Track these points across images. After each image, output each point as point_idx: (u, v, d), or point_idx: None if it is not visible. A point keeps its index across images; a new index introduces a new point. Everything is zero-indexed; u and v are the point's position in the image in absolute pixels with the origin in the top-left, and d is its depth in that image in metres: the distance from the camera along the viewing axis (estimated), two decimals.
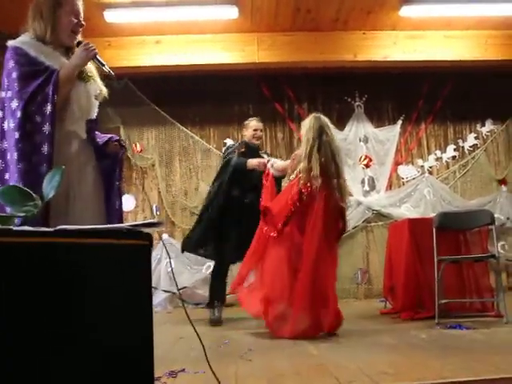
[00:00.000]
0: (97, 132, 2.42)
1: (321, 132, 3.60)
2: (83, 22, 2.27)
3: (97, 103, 2.31)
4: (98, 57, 2.21)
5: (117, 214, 2.30)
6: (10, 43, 2.18)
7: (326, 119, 3.73)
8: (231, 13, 5.42)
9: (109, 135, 2.42)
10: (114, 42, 5.80)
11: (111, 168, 2.39)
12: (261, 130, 4.70)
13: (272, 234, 3.53)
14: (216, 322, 4.20)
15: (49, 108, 2.05)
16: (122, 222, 2.21)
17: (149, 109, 6.40)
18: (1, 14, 5.01)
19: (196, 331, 1.49)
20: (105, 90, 2.35)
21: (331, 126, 3.72)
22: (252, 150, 4.55)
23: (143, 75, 6.17)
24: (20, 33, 2.24)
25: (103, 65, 2.22)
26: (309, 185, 3.47)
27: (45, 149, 2.01)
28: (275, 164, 4.10)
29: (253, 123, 4.66)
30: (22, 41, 2.18)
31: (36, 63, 2.13)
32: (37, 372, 0.97)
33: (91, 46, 2.19)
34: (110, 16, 5.35)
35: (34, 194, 1.38)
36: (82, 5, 2.29)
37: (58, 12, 2.20)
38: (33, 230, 1.03)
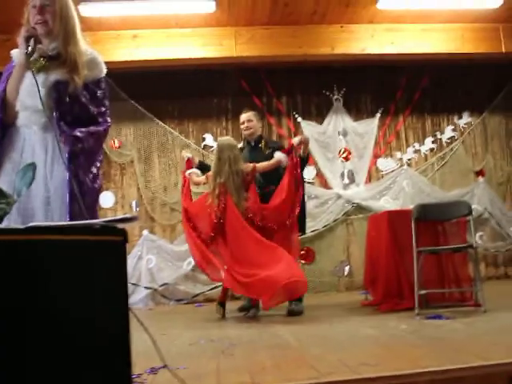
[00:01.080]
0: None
1: (219, 155, 4.34)
2: (41, 12, 2.19)
3: (42, 92, 2.10)
4: (31, 40, 2.11)
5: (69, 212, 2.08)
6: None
7: (226, 140, 4.50)
8: (209, 7, 5.39)
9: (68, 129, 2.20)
10: (89, 37, 5.58)
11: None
12: (249, 121, 4.65)
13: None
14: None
15: None
16: (73, 220, 2.05)
17: (126, 104, 6.33)
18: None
19: (150, 335, 1.46)
20: (80, 75, 2.20)
21: (233, 144, 4.41)
22: (250, 144, 4.65)
23: (120, 70, 6.07)
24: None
25: (28, 46, 2.11)
26: (217, 204, 4.20)
27: None
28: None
29: (241, 116, 4.72)
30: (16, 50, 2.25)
31: (11, 67, 2.21)
32: (9, 368, 0.95)
33: (24, 31, 2.14)
34: (86, 10, 5.26)
35: (7, 193, 1.34)
36: None
37: (28, 11, 2.23)
38: (4, 227, 1.00)
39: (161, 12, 5.45)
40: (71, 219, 2.00)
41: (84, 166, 2.18)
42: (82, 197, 2.03)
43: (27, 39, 2.11)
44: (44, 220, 1.98)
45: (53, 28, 2.21)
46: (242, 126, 4.70)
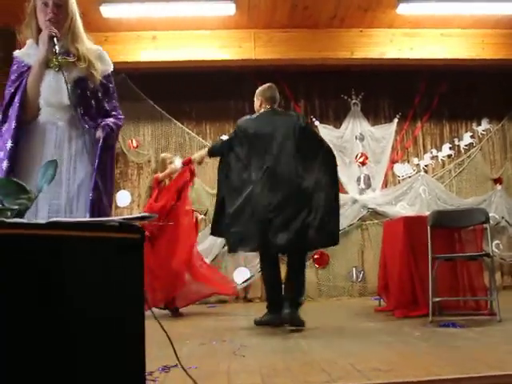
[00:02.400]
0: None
1: None
2: (54, 9, 2.22)
3: (65, 88, 2.14)
4: (54, 39, 2.15)
5: (90, 206, 2.09)
6: (13, 54, 2.30)
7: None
8: (228, 9, 5.41)
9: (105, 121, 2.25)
10: (110, 38, 5.78)
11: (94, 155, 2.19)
12: None
13: None
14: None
15: (16, 105, 2.14)
16: (93, 216, 2.07)
17: (145, 104, 6.39)
18: (4, 10, 4.98)
19: (163, 327, 1.48)
20: (98, 71, 2.26)
21: None
22: None
23: (140, 71, 6.16)
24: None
25: (55, 45, 2.16)
26: None
27: (8, 144, 2.09)
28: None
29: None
30: (21, 50, 2.29)
31: (21, 66, 2.23)
32: (28, 363, 0.97)
33: (47, 31, 2.17)
34: (107, 11, 5.33)
35: (27, 188, 1.37)
36: None
37: (35, 11, 2.25)
38: (26, 222, 1.02)
39: (181, 14, 5.49)
40: (92, 212, 2.05)
41: (111, 157, 2.26)
42: (104, 191, 2.11)
43: (51, 38, 2.14)
44: (67, 216, 2.01)
45: (63, 27, 2.25)
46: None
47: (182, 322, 4.26)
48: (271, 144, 3.79)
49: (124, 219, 1.11)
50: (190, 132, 6.51)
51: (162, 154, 5.42)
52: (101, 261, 1.07)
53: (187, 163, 4.69)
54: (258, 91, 4.22)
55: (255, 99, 4.25)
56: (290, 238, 3.52)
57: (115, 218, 1.14)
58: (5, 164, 2.06)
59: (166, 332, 1.39)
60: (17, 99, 2.15)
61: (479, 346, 2.64)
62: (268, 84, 4.22)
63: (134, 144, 6.44)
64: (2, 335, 0.96)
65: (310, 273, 6.26)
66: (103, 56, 2.38)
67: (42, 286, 1.01)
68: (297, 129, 3.85)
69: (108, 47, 5.68)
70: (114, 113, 2.32)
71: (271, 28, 5.87)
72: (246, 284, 6.15)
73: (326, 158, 3.81)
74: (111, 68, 2.40)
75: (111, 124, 2.22)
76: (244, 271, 6.16)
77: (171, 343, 1.38)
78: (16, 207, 1.33)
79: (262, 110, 4.11)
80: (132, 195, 6.39)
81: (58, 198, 2.09)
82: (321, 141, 3.98)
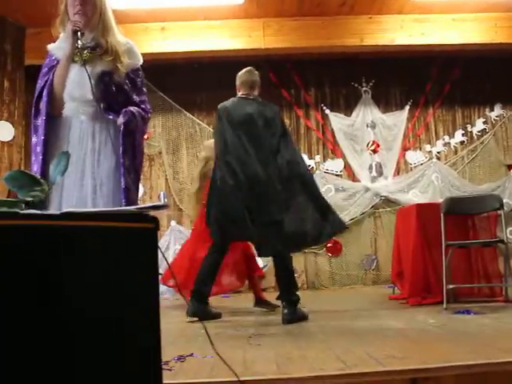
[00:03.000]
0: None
1: None
2: (79, 1, 2.21)
3: (88, 84, 2.14)
4: (78, 33, 2.16)
5: (123, 193, 2.13)
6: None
7: None
8: None
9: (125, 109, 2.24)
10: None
11: (117, 143, 2.20)
12: None
13: None
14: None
15: (45, 98, 2.18)
16: (128, 203, 2.10)
17: (155, 96, 6.38)
18: (15, 6, 5.01)
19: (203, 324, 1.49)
20: (124, 64, 2.28)
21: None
22: None
23: (149, 62, 6.04)
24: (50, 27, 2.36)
25: (78, 39, 2.17)
26: None
27: (41, 137, 2.15)
28: None
29: None
30: (56, 42, 2.32)
31: (52, 60, 2.26)
32: (40, 358, 0.98)
33: (71, 25, 2.17)
34: (115, 2, 5.30)
35: (41, 180, 1.38)
36: None
37: (66, 4, 2.26)
38: (39, 213, 1.03)
39: (189, 4, 5.47)
40: (127, 200, 2.11)
41: (136, 144, 2.24)
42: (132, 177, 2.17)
43: (75, 33, 2.15)
44: (93, 208, 2.03)
45: (92, 19, 2.26)
46: None
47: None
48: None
49: (138, 209, 1.11)
50: (201, 123, 6.51)
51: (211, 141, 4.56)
52: (115, 250, 1.08)
53: None
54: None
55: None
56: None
57: (129, 207, 1.14)
58: (40, 157, 2.13)
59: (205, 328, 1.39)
60: (45, 93, 2.19)
61: (494, 333, 2.62)
62: (247, 68, 4.15)
63: (145, 136, 6.44)
64: (14, 321, 0.97)
65: (323, 261, 6.27)
66: (132, 49, 2.40)
67: (55, 277, 1.02)
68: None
69: None
70: (142, 106, 2.33)
71: (280, 17, 5.84)
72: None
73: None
74: (140, 62, 2.43)
75: (133, 110, 2.22)
76: (258, 261, 6.16)
77: (207, 334, 1.38)
78: (30, 199, 1.34)
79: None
80: (144, 187, 6.42)
81: (81, 191, 2.12)
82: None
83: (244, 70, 4.08)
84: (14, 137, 5.52)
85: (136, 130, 2.24)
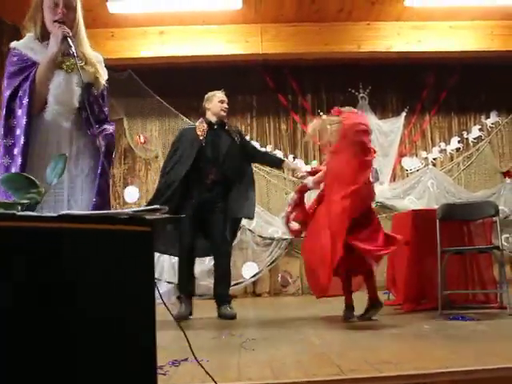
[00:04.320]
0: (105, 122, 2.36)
1: None
2: (63, 9, 2.22)
3: (78, 91, 2.22)
4: (68, 39, 2.16)
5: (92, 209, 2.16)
6: (10, 45, 2.28)
7: None
8: (235, 3, 5.41)
9: (102, 127, 2.30)
10: (117, 33, 5.79)
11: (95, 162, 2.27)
12: (227, 103, 4.36)
13: None
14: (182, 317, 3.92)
15: (25, 100, 2.12)
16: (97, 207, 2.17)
17: (152, 100, 6.40)
18: (11, 7, 5.01)
19: (180, 325, 1.49)
20: (102, 77, 2.32)
21: None
22: (212, 127, 4.22)
23: (146, 66, 6.17)
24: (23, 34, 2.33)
25: (70, 46, 2.17)
26: None
27: (21, 140, 2.08)
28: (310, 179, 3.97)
29: (219, 94, 4.34)
30: (22, 41, 2.27)
31: (24, 60, 2.20)
32: (37, 359, 0.98)
33: (60, 30, 2.16)
34: (113, 7, 5.34)
35: (37, 182, 1.38)
36: None
37: (41, 7, 2.25)
38: (36, 215, 1.03)
39: (187, 9, 5.49)
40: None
41: (111, 162, 2.37)
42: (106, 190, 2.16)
43: (65, 38, 2.16)
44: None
45: (72, 27, 2.26)
46: (219, 105, 4.29)
47: (191, 316, 4.27)
48: None
49: (134, 211, 1.12)
50: None
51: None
52: (110, 253, 1.08)
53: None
54: None
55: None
56: None
57: (126, 210, 1.15)
58: (19, 160, 2.07)
59: (180, 326, 1.38)
60: (27, 93, 2.12)
61: (489, 339, 2.63)
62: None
63: (142, 140, 6.45)
64: (11, 323, 0.96)
65: None
66: (102, 63, 2.41)
67: (50, 280, 1.02)
68: None
69: (115, 43, 5.77)
70: (111, 122, 2.39)
71: (278, 22, 5.86)
72: (254, 279, 6.16)
73: None
74: (106, 76, 2.43)
75: (112, 131, 2.30)
76: (252, 266, 6.17)
77: (186, 338, 1.38)
78: (26, 201, 1.34)
79: None
80: (140, 191, 6.41)
81: (60, 195, 2.12)
82: None
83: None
84: None
85: (113, 151, 2.33)
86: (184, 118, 6.48)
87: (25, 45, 2.24)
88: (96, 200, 2.15)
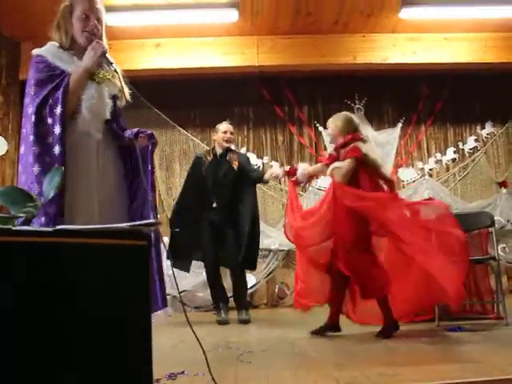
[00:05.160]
0: (127, 130, 2.41)
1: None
2: (95, 22, 2.26)
3: (110, 103, 2.29)
4: (106, 55, 2.21)
5: (149, 206, 2.28)
6: (34, 52, 2.25)
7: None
8: (231, 16, 5.44)
9: (136, 129, 2.40)
10: (114, 45, 5.80)
11: (142, 161, 2.31)
12: (231, 133, 4.68)
13: None
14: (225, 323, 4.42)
15: (59, 110, 2.09)
16: (156, 212, 2.25)
17: (149, 112, 6.41)
18: (10, 20, 5.03)
19: (195, 334, 1.50)
20: (127, 92, 2.34)
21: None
22: (216, 157, 4.61)
23: (143, 78, 6.17)
24: (46, 42, 2.31)
25: (111, 63, 2.22)
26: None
27: (56, 150, 2.05)
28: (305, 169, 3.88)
29: (222, 126, 4.66)
30: (45, 48, 2.26)
31: (52, 68, 2.19)
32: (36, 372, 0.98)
33: (99, 45, 2.19)
34: (111, 19, 5.35)
35: (34, 195, 1.39)
36: (98, 4, 2.30)
37: (71, 18, 2.26)
38: (31, 229, 1.03)
39: (184, 21, 5.52)
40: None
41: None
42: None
43: (103, 55, 2.19)
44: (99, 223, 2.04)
45: (101, 39, 2.30)
46: (222, 135, 4.61)
47: (188, 328, 4.26)
48: None
49: (130, 226, 1.12)
50: (195, 139, 6.53)
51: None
52: (107, 267, 1.08)
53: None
54: None
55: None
56: None
57: (123, 224, 1.15)
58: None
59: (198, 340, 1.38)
60: (57, 103, 2.10)
61: (487, 350, 2.62)
62: None
63: None
64: (11, 339, 0.96)
65: None
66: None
67: (47, 294, 1.02)
68: None
69: (112, 55, 5.72)
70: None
71: (274, 34, 5.90)
72: (252, 290, 6.14)
73: None
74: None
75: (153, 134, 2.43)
76: (249, 277, 6.15)
77: (204, 354, 1.38)
78: (22, 215, 1.34)
79: None
80: None
81: (91, 206, 2.13)
82: None
83: None
84: (6, 151, 5.51)
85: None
86: (181, 129, 6.50)
87: (51, 53, 2.23)
88: (152, 198, 2.27)
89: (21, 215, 1.35)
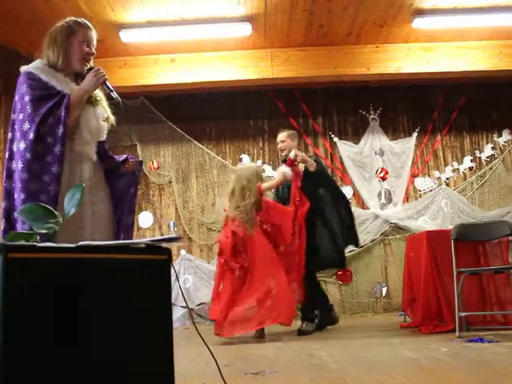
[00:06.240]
0: (113, 155, 2.51)
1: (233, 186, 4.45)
2: (94, 51, 2.33)
3: (105, 126, 2.37)
4: (107, 83, 2.26)
5: (129, 230, 2.37)
6: (23, 68, 2.26)
7: (241, 170, 4.78)
8: (245, 30, 5.48)
9: (125, 155, 2.50)
10: (129, 62, 5.90)
11: (128, 186, 2.44)
12: (282, 141, 4.72)
13: None
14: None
15: (61, 130, 2.11)
16: (130, 238, 2.28)
17: (165, 126, 6.48)
18: (21, 36, 5.14)
19: (208, 348, 1.50)
20: (112, 117, 2.43)
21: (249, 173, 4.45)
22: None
23: (159, 93, 6.27)
24: (34, 58, 2.33)
25: (111, 90, 2.28)
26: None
27: (54, 169, 2.08)
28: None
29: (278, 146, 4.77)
30: (35, 66, 2.26)
31: (48, 87, 2.20)
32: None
33: (101, 72, 2.25)
34: (126, 36, 5.44)
35: (55, 212, 1.41)
36: (95, 34, 2.37)
37: (70, 40, 2.29)
38: (56, 246, 1.05)
39: (198, 36, 5.58)
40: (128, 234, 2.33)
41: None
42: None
43: (104, 83, 2.27)
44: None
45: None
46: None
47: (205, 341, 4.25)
48: None
49: (152, 241, 1.13)
50: (210, 152, 6.58)
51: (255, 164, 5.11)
52: (129, 281, 1.09)
53: (291, 164, 4.42)
54: (293, 133, 4.80)
55: (291, 140, 4.70)
56: None
57: (143, 239, 1.16)
58: (53, 188, 2.06)
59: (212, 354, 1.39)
60: (58, 123, 2.12)
61: (509, 361, 2.59)
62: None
63: (155, 165, 6.52)
64: (29, 354, 0.98)
65: (333, 290, 6.23)
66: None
67: (69, 309, 1.04)
68: None
69: (127, 71, 5.88)
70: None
71: (288, 47, 5.94)
72: None
73: None
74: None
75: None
76: None
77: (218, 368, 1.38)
78: (45, 231, 1.37)
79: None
80: (154, 216, 6.45)
81: (82, 226, 2.17)
82: None
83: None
84: None
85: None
86: (197, 143, 6.55)
87: (42, 71, 2.23)
88: (130, 219, 2.38)
89: (42, 231, 1.37)
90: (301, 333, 4.29)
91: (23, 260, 0.97)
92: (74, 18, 2.34)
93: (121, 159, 2.45)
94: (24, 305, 0.96)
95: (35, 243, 1.07)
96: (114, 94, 2.28)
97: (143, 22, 5.28)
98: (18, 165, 2.08)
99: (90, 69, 2.29)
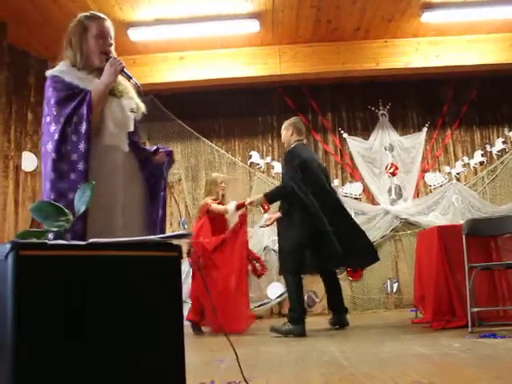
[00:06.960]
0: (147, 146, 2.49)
1: None
2: (111, 41, 2.32)
3: (132, 116, 2.34)
4: (125, 70, 2.25)
5: (160, 223, 2.36)
6: (48, 72, 2.29)
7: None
8: (253, 26, 5.48)
9: (156, 146, 2.48)
10: (138, 60, 5.91)
11: (158, 177, 2.41)
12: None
13: None
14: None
15: (84, 127, 2.12)
16: (163, 232, 2.25)
17: (174, 124, 6.50)
18: (30, 37, 5.18)
19: (229, 340, 1.50)
20: (142, 105, 2.40)
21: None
22: None
23: (168, 91, 6.28)
24: (57, 62, 2.35)
25: (130, 77, 2.27)
26: None
27: (80, 166, 2.07)
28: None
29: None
30: (58, 69, 2.29)
31: (71, 87, 2.22)
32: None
33: (117, 61, 2.23)
34: (134, 34, 5.46)
35: (66, 210, 1.42)
36: (109, 24, 2.35)
37: (84, 37, 2.29)
38: (66, 243, 1.06)
39: (206, 34, 5.58)
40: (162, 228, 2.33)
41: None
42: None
43: (122, 70, 2.24)
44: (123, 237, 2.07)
45: None
46: None
47: (217, 337, 4.27)
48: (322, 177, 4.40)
49: (162, 238, 1.14)
50: (219, 149, 6.58)
51: (214, 174, 5.30)
52: (140, 278, 1.09)
53: (241, 207, 4.72)
54: (289, 122, 4.56)
55: (285, 129, 4.51)
56: None
57: (153, 236, 1.17)
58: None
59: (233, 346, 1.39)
60: (81, 120, 2.13)
61: None
62: (297, 117, 4.80)
63: None
64: (42, 351, 0.98)
65: (344, 286, 6.19)
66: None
67: (80, 306, 1.04)
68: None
69: (136, 69, 5.88)
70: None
71: (296, 43, 5.93)
72: (280, 299, 6.13)
73: None
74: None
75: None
76: (277, 286, 6.14)
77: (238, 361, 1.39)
78: (56, 229, 1.37)
79: (296, 141, 4.44)
80: None
81: (113, 219, 2.16)
82: None
83: (298, 119, 4.70)
84: (36, 167, 5.63)
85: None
86: (206, 140, 6.56)
87: (66, 72, 2.26)
88: (162, 213, 2.36)
89: (53, 229, 1.38)
90: (271, 329, 4.18)
91: (34, 257, 0.98)
92: (85, 13, 2.34)
93: (152, 150, 2.42)
94: (35, 302, 0.96)
95: (46, 241, 1.08)
96: (134, 81, 2.27)
97: (151, 20, 5.29)
98: (46, 165, 2.12)
99: (108, 59, 2.29)
